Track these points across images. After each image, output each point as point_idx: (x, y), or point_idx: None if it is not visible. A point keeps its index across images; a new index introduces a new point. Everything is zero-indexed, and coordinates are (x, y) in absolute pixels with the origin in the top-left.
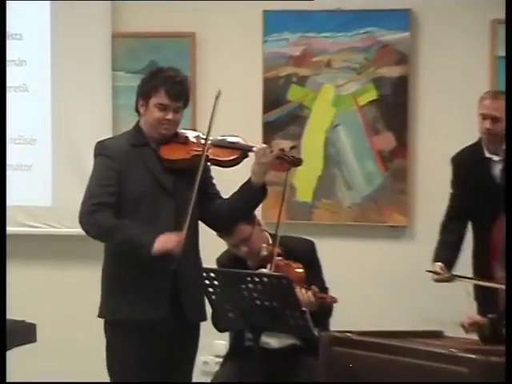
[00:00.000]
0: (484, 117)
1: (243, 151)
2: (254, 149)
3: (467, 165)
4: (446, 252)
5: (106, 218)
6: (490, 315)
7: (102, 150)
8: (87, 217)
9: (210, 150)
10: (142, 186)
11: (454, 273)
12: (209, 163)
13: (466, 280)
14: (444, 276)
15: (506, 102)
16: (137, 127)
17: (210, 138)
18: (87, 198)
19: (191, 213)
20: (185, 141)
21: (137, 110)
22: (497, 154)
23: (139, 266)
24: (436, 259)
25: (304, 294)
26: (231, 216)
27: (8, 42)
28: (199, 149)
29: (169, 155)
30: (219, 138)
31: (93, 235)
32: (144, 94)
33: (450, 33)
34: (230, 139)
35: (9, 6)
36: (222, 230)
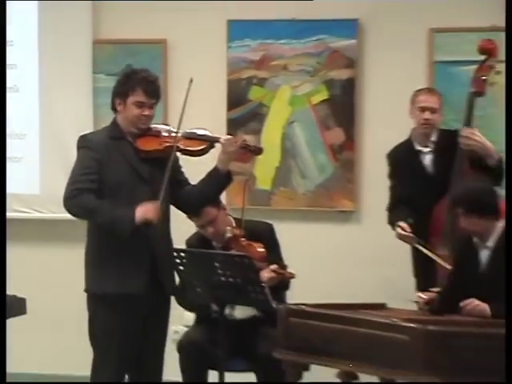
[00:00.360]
0: (423, 109)
1: (210, 142)
2: (221, 140)
3: (401, 158)
4: (401, 217)
5: (88, 199)
6: (438, 289)
7: (85, 143)
8: (71, 200)
9: (181, 142)
10: (121, 174)
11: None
12: (180, 153)
13: (423, 249)
14: (407, 235)
15: (505, 101)
16: (114, 123)
17: (181, 130)
18: (70, 183)
19: (164, 196)
20: (158, 134)
21: (113, 108)
22: (426, 147)
23: (119, 245)
24: (395, 221)
25: (266, 271)
26: (200, 200)
27: None
28: (171, 140)
29: (144, 147)
30: (188, 130)
31: (77, 215)
32: (121, 93)
33: (392, 40)
34: (198, 132)
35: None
36: (192, 213)
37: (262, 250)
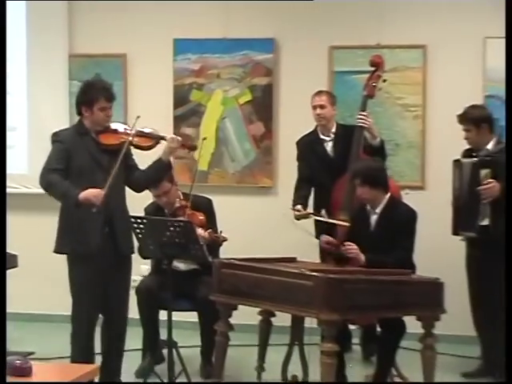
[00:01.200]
0: (314, 107)
1: (157, 139)
2: (167, 138)
3: (307, 145)
4: (302, 201)
5: (52, 177)
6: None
7: (57, 138)
8: (42, 177)
9: (134, 138)
10: (85, 162)
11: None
12: (132, 147)
13: (318, 217)
14: (303, 213)
15: (505, 102)
16: (80, 123)
17: (134, 129)
18: (45, 167)
19: (117, 177)
20: (116, 131)
21: (79, 113)
22: (328, 136)
23: (84, 214)
24: (295, 205)
25: (204, 234)
26: (146, 182)
27: None
28: (126, 137)
29: (105, 141)
30: (140, 129)
31: (43, 188)
32: (87, 101)
33: (300, 54)
34: (147, 130)
35: None
36: (139, 192)
37: (203, 217)
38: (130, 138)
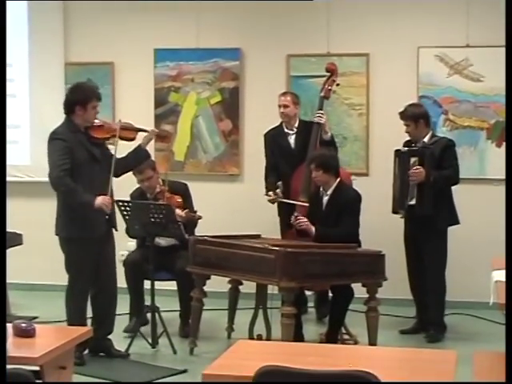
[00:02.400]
0: (279, 106)
1: (139, 131)
2: (149, 130)
3: (273, 137)
4: (272, 187)
5: (69, 181)
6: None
7: (57, 136)
8: (58, 179)
9: (120, 131)
10: (82, 156)
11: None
12: (119, 139)
13: (286, 200)
14: (274, 198)
15: (505, 102)
16: (70, 121)
17: (119, 124)
18: (55, 166)
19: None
20: (102, 126)
21: (70, 112)
22: (292, 130)
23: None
24: (267, 191)
25: (182, 214)
26: (126, 167)
27: None
28: (113, 131)
29: (95, 135)
30: (124, 123)
31: (60, 191)
32: (81, 101)
33: (262, 62)
34: (128, 124)
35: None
36: (118, 176)
37: (180, 200)
38: (118, 132)
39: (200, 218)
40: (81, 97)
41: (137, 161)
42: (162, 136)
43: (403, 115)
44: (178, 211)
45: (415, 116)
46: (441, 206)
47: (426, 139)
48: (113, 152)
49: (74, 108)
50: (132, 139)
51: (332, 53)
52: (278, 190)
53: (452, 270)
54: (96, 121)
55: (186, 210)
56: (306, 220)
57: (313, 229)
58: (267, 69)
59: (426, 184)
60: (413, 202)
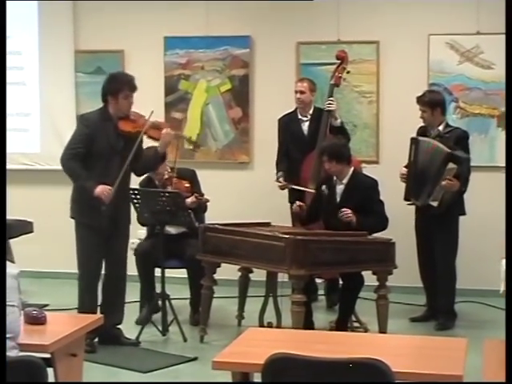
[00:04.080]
0: (296, 91)
1: None
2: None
3: (287, 123)
4: (282, 173)
5: (74, 164)
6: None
7: (83, 121)
8: (64, 161)
9: (148, 130)
10: (102, 146)
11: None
12: (146, 137)
13: (296, 187)
14: (285, 185)
15: (505, 100)
16: (105, 109)
17: (150, 121)
18: (67, 148)
19: (125, 168)
20: (134, 120)
21: (105, 100)
22: (305, 117)
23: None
24: (278, 178)
25: (191, 198)
26: (145, 169)
27: (13, 57)
28: (141, 128)
29: (121, 127)
30: (153, 121)
31: (64, 171)
32: (113, 91)
33: (272, 49)
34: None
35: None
36: (139, 176)
37: (188, 185)
38: (145, 129)
39: (207, 201)
40: (112, 87)
41: (154, 164)
42: (196, 145)
43: (421, 100)
44: (188, 195)
45: (433, 103)
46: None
47: (440, 127)
48: (143, 146)
49: (107, 98)
50: (159, 139)
51: (342, 40)
52: (280, 179)
53: (462, 257)
54: (136, 113)
55: (195, 194)
56: (349, 212)
57: (354, 219)
58: (277, 56)
59: (455, 194)
60: (435, 203)
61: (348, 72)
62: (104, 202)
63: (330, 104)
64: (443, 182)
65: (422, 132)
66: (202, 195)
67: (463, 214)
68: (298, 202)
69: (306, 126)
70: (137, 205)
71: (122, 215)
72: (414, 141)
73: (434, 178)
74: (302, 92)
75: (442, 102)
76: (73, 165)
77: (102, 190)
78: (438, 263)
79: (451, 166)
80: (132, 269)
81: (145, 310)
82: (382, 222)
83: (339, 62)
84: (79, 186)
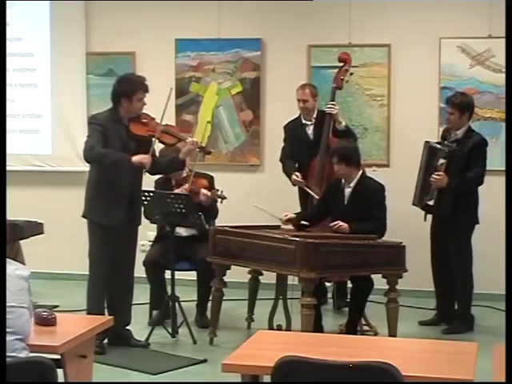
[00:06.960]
0: (298, 100)
1: (179, 140)
2: (188, 140)
3: (292, 128)
4: (295, 170)
5: (99, 149)
6: (297, 212)
7: (95, 121)
8: (91, 151)
9: (161, 135)
10: (115, 147)
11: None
12: (157, 141)
13: (306, 188)
14: (300, 181)
15: (505, 102)
16: (115, 111)
17: (162, 125)
18: (88, 145)
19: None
20: (146, 123)
21: (116, 102)
22: (309, 121)
23: (108, 190)
24: (291, 173)
25: (208, 193)
26: (161, 171)
27: (25, 58)
28: (153, 132)
29: (134, 130)
30: (165, 125)
31: (93, 161)
32: (126, 93)
33: (283, 52)
34: (172, 130)
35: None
36: (154, 175)
37: (206, 182)
38: (158, 134)
39: (225, 198)
40: (126, 88)
41: (172, 168)
42: (205, 151)
43: (451, 102)
44: (204, 191)
45: (463, 106)
46: (462, 207)
47: (459, 131)
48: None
49: (120, 99)
50: (170, 145)
51: (353, 43)
52: (297, 173)
53: (475, 261)
54: (147, 114)
55: (212, 190)
56: (340, 223)
57: (347, 228)
58: (288, 59)
59: (446, 188)
60: (431, 202)
61: (351, 74)
62: (145, 165)
63: (330, 108)
64: (432, 180)
65: (446, 136)
66: (219, 191)
67: (477, 223)
68: (284, 216)
69: (310, 131)
70: (148, 206)
71: (136, 216)
72: (425, 145)
73: (424, 175)
74: (304, 100)
75: (472, 106)
76: (99, 149)
77: (140, 157)
78: (456, 274)
79: (442, 161)
80: (141, 271)
81: (158, 313)
82: (380, 229)
83: (342, 64)
84: (115, 161)
